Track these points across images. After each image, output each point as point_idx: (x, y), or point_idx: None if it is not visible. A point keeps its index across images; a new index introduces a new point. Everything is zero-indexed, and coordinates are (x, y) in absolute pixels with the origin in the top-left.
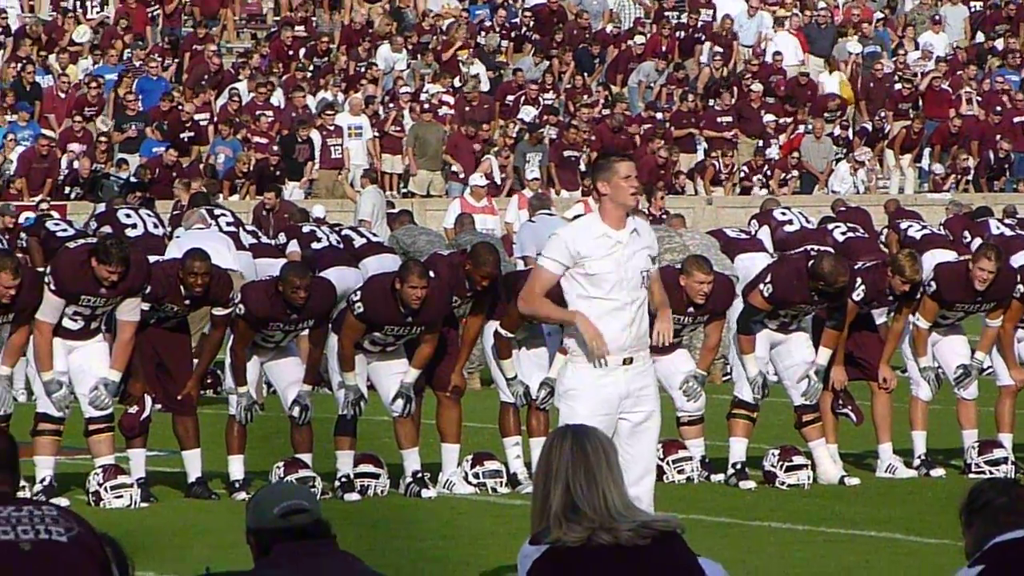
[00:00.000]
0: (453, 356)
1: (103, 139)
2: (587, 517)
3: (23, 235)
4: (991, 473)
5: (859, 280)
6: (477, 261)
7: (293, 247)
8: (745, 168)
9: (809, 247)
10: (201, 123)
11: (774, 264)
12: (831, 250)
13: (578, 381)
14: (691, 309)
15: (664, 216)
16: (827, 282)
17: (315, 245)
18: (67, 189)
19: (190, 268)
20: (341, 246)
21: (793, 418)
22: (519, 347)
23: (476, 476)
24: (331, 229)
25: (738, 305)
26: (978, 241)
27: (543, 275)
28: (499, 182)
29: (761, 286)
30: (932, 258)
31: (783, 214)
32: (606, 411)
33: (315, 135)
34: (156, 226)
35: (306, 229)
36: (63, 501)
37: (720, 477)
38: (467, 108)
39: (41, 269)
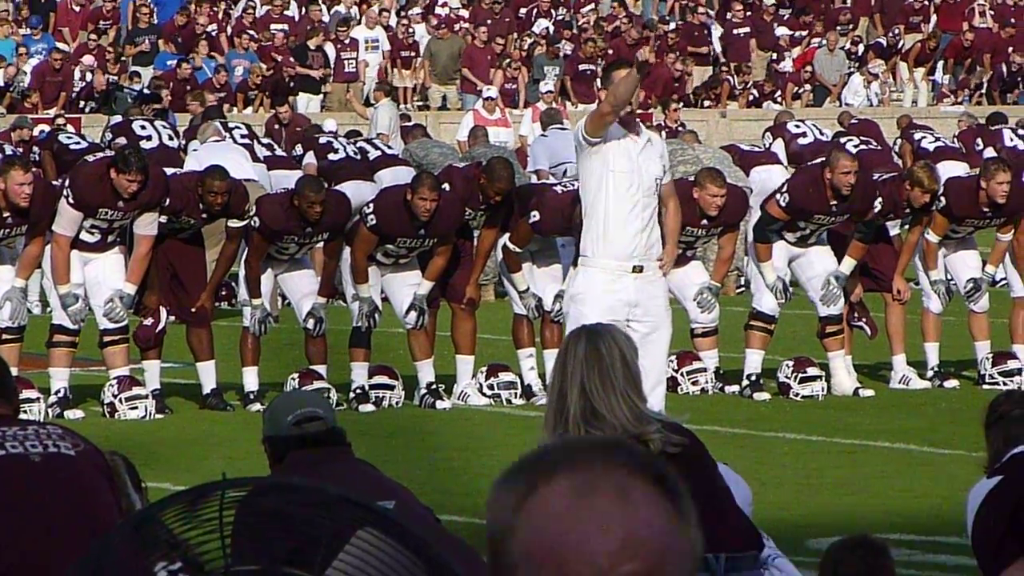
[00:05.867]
0: (467, 268)
1: (110, 49)
2: (608, 422)
3: (36, 148)
4: (1005, 384)
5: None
6: (492, 175)
7: (310, 159)
8: (754, 91)
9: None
10: (213, 35)
11: (793, 174)
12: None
13: (587, 286)
14: (704, 221)
15: (679, 129)
16: (836, 178)
17: (332, 156)
18: (81, 103)
19: (210, 186)
20: (358, 157)
21: (815, 328)
22: (532, 261)
23: (491, 387)
24: (348, 141)
25: (754, 217)
26: (990, 151)
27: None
28: (500, 94)
29: (778, 196)
30: (944, 171)
31: (797, 127)
32: (613, 317)
33: (329, 48)
34: (171, 138)
35: (322, 140)
36: (77, 412)
37: (734, 388)
38: (489, 21)
39: (55, 182)
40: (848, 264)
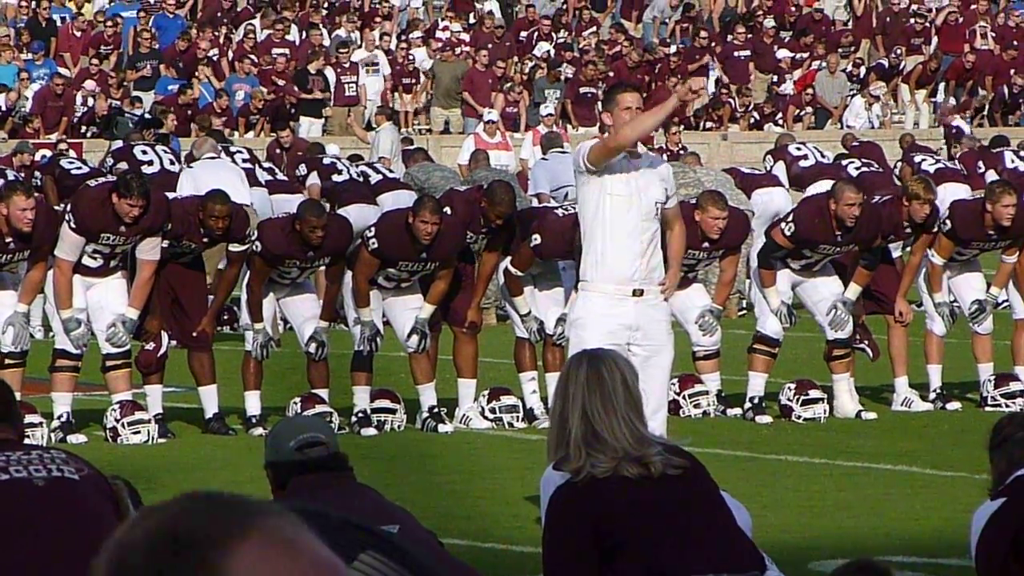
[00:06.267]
0: (469, 292)
1: (112, 74)
2: (609, 445)
3: (37, 173)
4: (1007, 406)
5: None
6: (493, 199)
7: (313, 179)
8: (755, 113)
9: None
10: (215, 59)
11: (799, 204)
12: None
13: (588, 310)
14: (706, 244)
15: (681, 152)
16: (840, 210)
17: (336, 178)
18: (83, 128)
19: (211, 210)
20: (361, 179)
21: (817, 351)
22: (534, 285)
23: (492, 411)
24: (351, 163)
25: (756, 240)
26: (992, 174)
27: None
28: (501, 117)
29: (783, 225)
30: (945, 192)
31: (798, 149)
32: (614, 341)
33: (329, 72)
34: (172, 163)
35: (326, 161)
36: (80, 437)
37: (736, 411)
38: (490, 45)
39: (57, 207)
40: (854, 290)
